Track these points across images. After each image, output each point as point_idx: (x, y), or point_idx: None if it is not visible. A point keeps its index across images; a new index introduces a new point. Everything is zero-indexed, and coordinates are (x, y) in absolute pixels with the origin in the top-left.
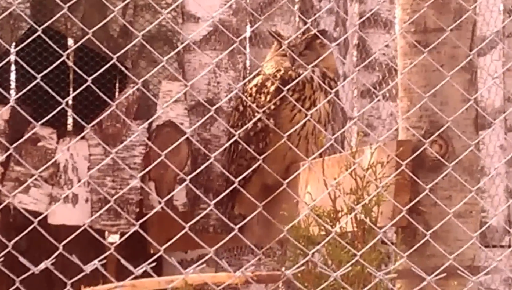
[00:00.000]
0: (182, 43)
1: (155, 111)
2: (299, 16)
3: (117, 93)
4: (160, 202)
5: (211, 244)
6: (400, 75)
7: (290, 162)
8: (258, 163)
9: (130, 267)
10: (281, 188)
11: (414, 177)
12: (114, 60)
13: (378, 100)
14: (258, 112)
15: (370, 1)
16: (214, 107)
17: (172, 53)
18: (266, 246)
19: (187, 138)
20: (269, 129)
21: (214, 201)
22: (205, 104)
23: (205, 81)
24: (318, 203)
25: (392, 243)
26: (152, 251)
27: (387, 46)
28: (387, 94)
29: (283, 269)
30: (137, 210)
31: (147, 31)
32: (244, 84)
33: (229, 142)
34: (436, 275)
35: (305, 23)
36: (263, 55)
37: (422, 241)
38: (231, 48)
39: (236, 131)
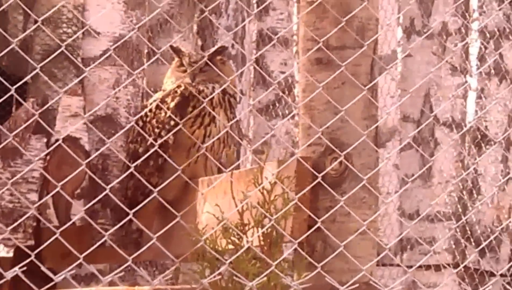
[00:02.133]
0: (82, 58)
1: (55, 125)
2: (197, 33)
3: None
4: (57, 216)
5: (107, 259)
6: (301, 92)
7: (189, 177)
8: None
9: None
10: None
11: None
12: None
13: (275, 118)
14: (158, 128)
15: (268, 19)
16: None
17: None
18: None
19: (86, 152)
20: (168, 145)
21: None
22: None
23: (104, 97)
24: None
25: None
26: (47, 266)
27: (285, 64)
28: (286, 112)
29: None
30: (34, 224)
31: (47, 45)
32: (144, 100)
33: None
34: None
35: (204, 40)
36: (162, 72)
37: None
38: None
39: (134, 146)
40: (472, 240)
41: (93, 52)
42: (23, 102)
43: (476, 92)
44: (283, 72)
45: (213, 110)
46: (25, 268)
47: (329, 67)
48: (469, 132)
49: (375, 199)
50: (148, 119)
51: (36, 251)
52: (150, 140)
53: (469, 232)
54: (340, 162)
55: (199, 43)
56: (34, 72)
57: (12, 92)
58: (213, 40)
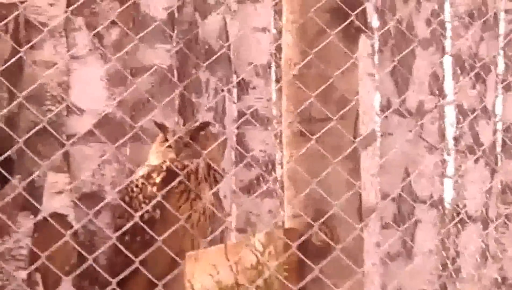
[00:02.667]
0: (67, 135)
1: (41, 202)
2: (179, 112)
3: None
4: None
5: None
6: (285, 164)
7: (176, 253)
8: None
9: None
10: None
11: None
12: None
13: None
14: (145, 203)
15: (247, 97)
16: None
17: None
18: None
19: (75, 230)
20: (155, 220)
21: None
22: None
23: (90, 173)
24: None
25: None
26: None
27: (266, 143)
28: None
29: None
30: None
31: (32, 122)
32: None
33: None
34: None
35: (185, 118)
36: (145, 150)
37: None
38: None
39: (122, 221)
40: None
41: (77, 129)
42: (10, 177)
43: (454, 170)
44: (263, 151)
45: (199, 185)
46: None
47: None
48: (448, 211)
49: (361, 269)
50: (135, 194)
51: None
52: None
53: None
54: (326, 233)
55: (181, 121)
56: (17, 146)
57: None
58: (194, 119)
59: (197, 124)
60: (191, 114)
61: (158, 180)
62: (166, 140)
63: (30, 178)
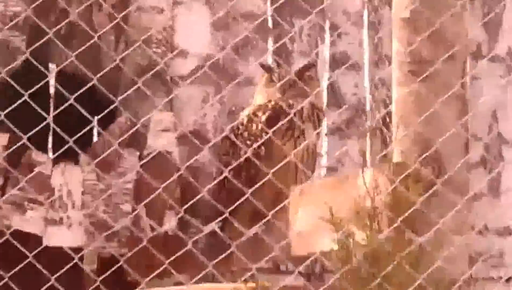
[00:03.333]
0: (171, 77)
1: (146, 139)
2: (272, 57)
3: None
4: (151, 226)
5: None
6: (395, 103)
7: (281, 188)
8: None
9: None
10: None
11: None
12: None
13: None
14: (250, 140)
15: (340, 43)
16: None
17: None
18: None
19: (177, 166)
20: (260, 157)
21: None
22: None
23: (192, 113)
24: (308, 225)
25: None
26: (129, 279)
27: (357, 86)
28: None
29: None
30: (128, 234)
31: (138, 64)
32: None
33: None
34: None
35: (278, 64)
36: (242, 93)
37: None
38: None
39: (227, 158)
40: None
41: (181, 71)
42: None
43: None
44: (355, 94)
45: (303, 123)
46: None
47: (422, 79)
48: None
49: (468, 203)
50: (239, 132)
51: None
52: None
53: None
54: (433, 168)
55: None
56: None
57: (117, 103)
58: (288, 64)
59: (302, 65)
60: (285, 59)
61: (263, 118)
62: (272, 80)
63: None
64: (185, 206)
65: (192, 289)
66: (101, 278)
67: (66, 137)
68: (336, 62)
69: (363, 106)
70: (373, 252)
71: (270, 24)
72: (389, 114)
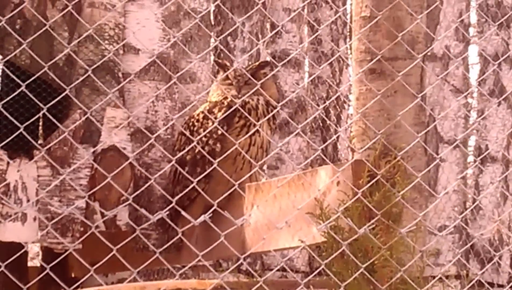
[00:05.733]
0: (123, 73)
1: (99, 136)
2: (215, 54)
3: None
4: (104, 222)
5: (150, 264)
6: (355, 100)
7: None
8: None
9: None
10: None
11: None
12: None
13: (291, 135)
14: (206, 136)
15: (281, 41)
16: (155, 135)
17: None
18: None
19: (130, 162)
20: (215, 153)
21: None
22: (145, 131)
23: (144, 110)
24: (264, 222)
25: None
26: (73, 275)
27: (297, 84)
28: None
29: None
30: (82, 229)
31: (90, 60)
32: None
33: (168, 166)
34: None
35: (219, 61)
36: (188, 90)
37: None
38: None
39: (182, 154)
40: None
41: (133, 67)
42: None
43: (476, 113)
44: (295, 92)
45: (258, 120)
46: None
47: (382, 77)
48: (472, 151)
49: (425, 200)
50: (195, 128)
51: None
52: (199, 148)
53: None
54: (393, 165)
55: (214, 64)
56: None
57: (67, 91)
58: (230, 61)
59: (257, 63)
60: (227, 56)
61: (219, 115)
62: (227, 78)
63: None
64: (134, 195)
65: (151, 286)
66: (44, 273)
67: (18, 124)
68: (277, 60)
69: (304, 103)
70: (359, 242)
71: (212, 21)
72: (327, 112)
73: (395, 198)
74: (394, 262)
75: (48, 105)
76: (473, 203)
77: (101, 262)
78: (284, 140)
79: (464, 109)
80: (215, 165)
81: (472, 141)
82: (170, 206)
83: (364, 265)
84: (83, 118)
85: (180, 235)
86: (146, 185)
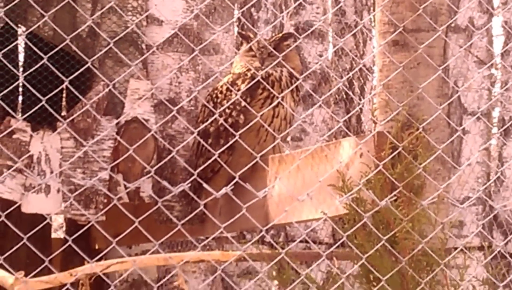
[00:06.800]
0: (146, 45)
1: (122, 108)
2: (238, 26)
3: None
4: (127, 194)
5: (173, 236)
6: (378, 72)
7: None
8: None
9: None
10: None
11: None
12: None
13: (314, 107)
14: (229, 108)
15: (304, 12)
16: (177, 107)
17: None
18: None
19: (153, 134)
20: (238, 125)
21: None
22: (168, 103)
23: (167, 81)
24: (287, 194)
25: None
26: (97, 247)
27: (320, 56)
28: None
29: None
30: (105, 201)
31: (113, 32)
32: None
33: (191, 138)
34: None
35: (243, 32)
36: (210, 62)
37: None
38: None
39: (205, 126)
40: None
41: (156, 39)
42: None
43: (500, 84)
44: (318, 63)
45: (281, 92)
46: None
47: (405, 49)
48: (495, 123)
49: (448, 172)
50: (218, 100)
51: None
52: (221, 120)
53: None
54: (416, 137)
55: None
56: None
57: (90, 63)
58: (253, 33)
59: (281, 35)
60: (250, 28)
61: (243, 86)
62: (251, 49)
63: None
64: (156, 166)
65: (174, 258)
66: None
67: (39, 96)
68: (299, 32)
69: (327, 75)
70: (381, 214)
71: None
72: (350, 83)
73: (417, 170)
74: (415, 234)
75: (71, 77)
76: (496, 174)
77: (123, 234)
78: (307, 112)
79: (487, 80)
80: (237, 137)
81: (496, 113)
82: (192, 178)
83: (385, 237)
84: (106, 90)
85: (202, 207)
86: (169, 157)
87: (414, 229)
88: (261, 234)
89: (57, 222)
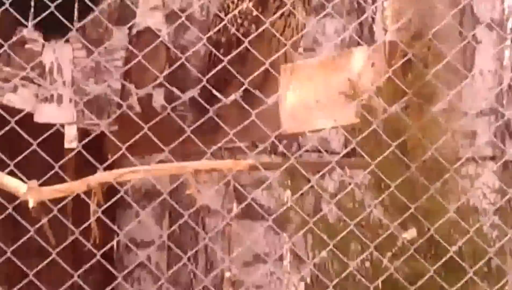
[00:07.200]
0: None
1: (134, 18)
2: None
3: None
4: (140, 104)
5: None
6: None
7: (271, 66)
8: None
9: None
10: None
11: None
12: None
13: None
14: (240, 18)
15: None
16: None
17: None
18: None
19: (165, 44)
20: (250, 35)
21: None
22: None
23: None
24: (300, 104)
25: None
26: (110, 157)
27: None
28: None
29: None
30: (118, 111)
31: None
32: None
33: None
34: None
35: None
36: None
37: None
38: None
39: (217, 36)
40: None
41: None
42: None
43: None
44: None
45: (293, 2)
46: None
47: None
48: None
49: (461, 82)
50: (230, 10)
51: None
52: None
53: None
54: (428, 46)
55: None
56: None
57: None
58: None
59: None
60: None
61: None
62: None
63: None
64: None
65: (186, 167)
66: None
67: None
68: None
69: None
70: (392, 122)
71: None
72: None
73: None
74: (425, 142)
75: None
76: (509, 84)
77: (132, 140)
78: (320, 21)
79: None
80: (246, 44)
81: (510, 23)
82: (202, 84)
83: (394, 143)
84: (118, 0)
85: (211, 114)
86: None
87: (425, 137)
88: (270, 141)
89: (72, 134)
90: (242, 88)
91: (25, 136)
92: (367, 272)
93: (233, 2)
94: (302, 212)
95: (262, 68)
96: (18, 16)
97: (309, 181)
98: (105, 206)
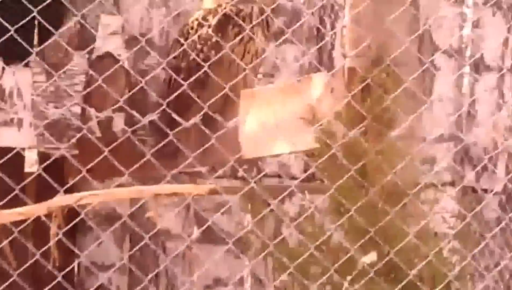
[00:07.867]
0: None
1: (94, 43)
2: None
3: None
4: (100, 129)
5: (146, 171)
6: (349, 8)
7: (230, 91)
8: None
9: None
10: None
11: None
12: None
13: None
14: (200, 44)
15: None
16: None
17: None
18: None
19: (125, 69)
20: (210, 59)
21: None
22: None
23: (139, 16)
24: (259, 129)
25: None
26: (70, 181)
27: None
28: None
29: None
30: (78, 134)
31: None
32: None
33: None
34: None
35: None
36: None
37: None
38: None
39: (177, 61)
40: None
41: None
42: None
43: (472, 22)
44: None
45: (252, 28)
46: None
47: None
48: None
49: (420, 106)
50: (189, 35)
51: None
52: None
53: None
54: (386, 72)
55: None
56: None
57: None
58: None
59: None
60: None
61: (213, 22)
62: None
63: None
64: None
65: (147, 191)
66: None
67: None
68: None
69: (299, 11)
70: (351, 147)
71: None
72: (322, 20)
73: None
74: (385, 166)
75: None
76: (468, 111)
77: (93, 163)
78: (280, 48)
79: (459, 17)
80: (206, 69)
81: (468, 51)
82: (162, 108)
83: (354, 168)
84: (78, 25)
85: (171, 138)
86: (138, 86)
87: (384, 162)
88: (230, 165)
89: (32, 157)
90: (202, 112)
91: None
92: None
93: (192, 28)
94: (262, 235)
95: (222, 93)
96: None
97: (269, 205)
98: (65, 229)
